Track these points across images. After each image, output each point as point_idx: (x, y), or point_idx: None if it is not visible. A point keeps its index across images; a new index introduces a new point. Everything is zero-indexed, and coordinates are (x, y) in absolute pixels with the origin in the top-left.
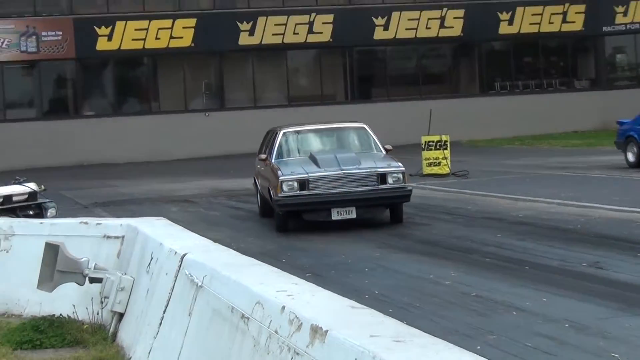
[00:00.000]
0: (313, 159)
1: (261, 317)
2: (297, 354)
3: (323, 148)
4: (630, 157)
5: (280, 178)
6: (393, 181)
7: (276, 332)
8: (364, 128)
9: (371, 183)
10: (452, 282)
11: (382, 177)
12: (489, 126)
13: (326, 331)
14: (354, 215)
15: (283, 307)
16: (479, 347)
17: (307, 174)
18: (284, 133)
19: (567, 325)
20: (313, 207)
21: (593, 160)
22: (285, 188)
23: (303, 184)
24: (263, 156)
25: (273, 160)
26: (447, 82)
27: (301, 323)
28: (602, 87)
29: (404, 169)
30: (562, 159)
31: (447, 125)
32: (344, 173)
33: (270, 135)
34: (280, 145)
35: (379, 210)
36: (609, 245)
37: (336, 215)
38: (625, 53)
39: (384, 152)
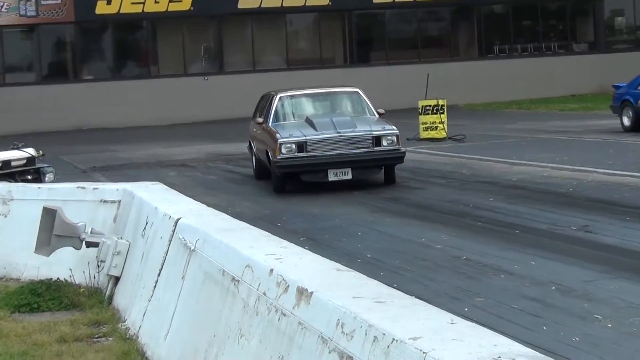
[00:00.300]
0: (310, 122)
1: (250, 279)
2: (284, 314)
3: (318, 112)
4: (626, 121)
5: (279, 141)
6: (387, 143)
7: (264, 294)
8: (357, 92)
9: (366, 145)
10: (444, 246)
11: (377, 140)
12: (487, 90)
13: (311, 293)
14: (349, 177)
15: (271, 270)
16: (466, 309)
17: (305, 136)
18: (280, 97)
19: (553, 287)
20: (310, 168)
21: (589, 124)
22: (283, 150)
23: (301, 146)
24: (260, 120)
25: (270, 124)
26: (446, 45)
27: (288, 285)
28: (600, 51)
29: (397, 131)
30: (559, 122)
31: (446, 89)
32: (340, 136)
33: (266, 99)
34: (276, 109)
35: (374, 172)
36: (599, 209)
37: (332, 176)
38: (624, 16)
39: (377, 115)
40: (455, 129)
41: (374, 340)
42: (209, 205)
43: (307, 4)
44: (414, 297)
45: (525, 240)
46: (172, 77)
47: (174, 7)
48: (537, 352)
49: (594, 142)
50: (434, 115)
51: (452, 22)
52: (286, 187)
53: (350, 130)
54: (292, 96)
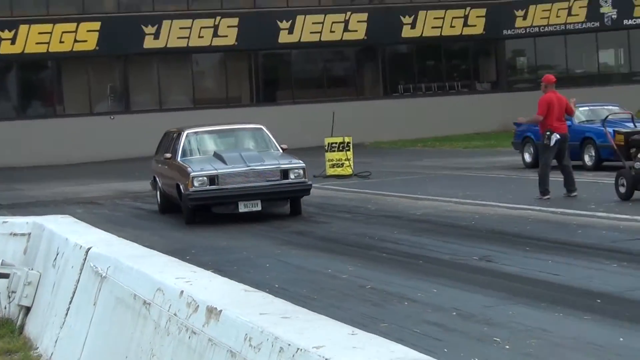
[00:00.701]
0: (219, 157)
1: (161, 302)
2: (194, 333)
3: (225, 147)
4: (527, 157)
5: (191, 174)
6: (295, 176)
7: (175, 314)
8: (261, 129)
9: (275, 178)
10: (349, 276)
11: (285, 173)
12: (393, 128)
13: (220, 311)
14: (259, 208)
15: (182, 292)
16: None
17: (216, 170)
18: (188, 134)
19: (454, 313)
20: (222, 200)
21: (492, 160)
22: (196, 183)
23: (212, 179)
24: (168, 155)
25: (179, 159)
26: (351, 85)
27: (198, 305)
28: (502, 89)
29: (304, 165)
30: (463, 159)
31: (352, 127)
32: (250, 169)
33: (169, 136)
34: (184, 145)
35: (282, 203)
36: (501, 240)
37: (243, 207)
38: (525, 56)
39: (280, 150)
40: (361, 166)
41: (279, 351)
42: None
43: (212, 44)
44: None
45: (428, 270)
46: (78, 117)
47: (79, 46)
48: (431, 358)
49: (497, 178)
50: (340, 153)
51: (357, 61)
52: (196, 219)
53: (259, 163)
54: (198, 132)
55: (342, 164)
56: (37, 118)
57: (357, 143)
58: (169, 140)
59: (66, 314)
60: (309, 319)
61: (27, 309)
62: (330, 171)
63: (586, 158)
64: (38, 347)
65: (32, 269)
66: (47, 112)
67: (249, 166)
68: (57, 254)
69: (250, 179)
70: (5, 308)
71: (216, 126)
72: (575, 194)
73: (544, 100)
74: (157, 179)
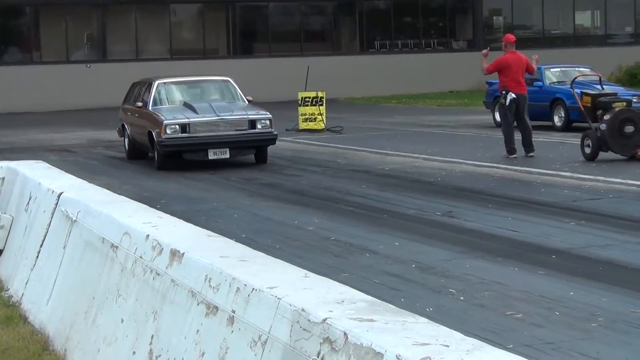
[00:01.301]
0: (189, 107)
1: (128, 245)
2: (158, 274)
3: (193, 98)
4: (497, 116)
5: (164, 122)
6: (262, 127)
7: (141, 257)
8: (228, 81)
9: (243, 128)
10: (315, 228)
11: (252, 123)
12: (368, 84)
13: (183, 254)
14: (227, 156)
15: (147, 236)
16: None
17: (188, 119)
18: (158, 84)
19: (413, 265)
20: (193, 148)
21: (464, 119)
22: (168, 131)
23: (184, 127)
24: (139, 104)
25: (150, 108)
26: (328, 39)
27: (162, 248)
28: (478, 48)
29: (270, 116)
30: (435, 117)
31: (327, 82)
32: (220, 119)
33: (137, 86)
34: (155, 95)
35: (249, 152)
36: (465, 197)
37: (212, 155)
38: (502, 15)
39: (246, 102)
40: (334, 121)
41: (236, 291)
42: None
43: None
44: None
45: (392, 223)
46: (55, 64)
47: None
48: (375, 299)
49: (466, 136)
50: (313, 107)
51: (335, 16)
52: (168, 166)
53: (229, 114)
54: (168, 83)
55: (315, 119)
56: (13, 64)
57: (332, 98)
58: (138, 90)
59: (37, 257)
60: (266, 262)
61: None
62: (303, 125)
63: (556, 119)
64: (9, 289)
65: (4, 213)
66: (24, 59)
67: (219, 116)
68: (30, 199)
69: (220, 128)
70: None
71: (186, 77)
72: (532, 154)
73: (498, 60)
74: (126, 126)
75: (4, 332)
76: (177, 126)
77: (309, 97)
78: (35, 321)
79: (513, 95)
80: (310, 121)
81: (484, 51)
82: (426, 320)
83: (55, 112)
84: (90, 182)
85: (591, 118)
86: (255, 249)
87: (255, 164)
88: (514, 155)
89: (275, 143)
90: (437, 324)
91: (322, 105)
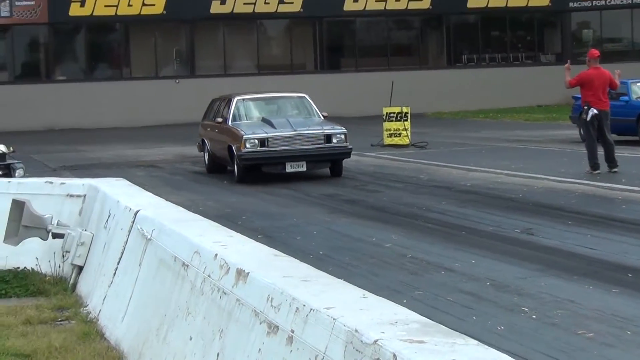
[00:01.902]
0: (267, 122)
1: (198, 264)
2: (225, 293)
3: (271, 113)
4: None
5: (244, 137)
6: (337, 141)
7: (209, 276)
8: (304, 97)
9: (319, 142)
10: (392, 245)
11: (328, 137)
12: (455, 98)
13: (248, 273)
14: (304, 169)
15: (216, 255)
16: (405, 301)
17: (267, 133)
18: (237, 100)
19: (488, 283)
20: (271, 161)
21: (551, 134)
22: (248, 145)
23: (263, 141)
24: (219, 120)
25: (230, 123)
26: (415, 54)
27: (229, 267)
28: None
29: (345, 130)
30: (522, 132)
31: (414, 96)
32: (297, 133)
33: (219, 102)
34: (234, 111)
35: (324, 165)
36: (544, 213)
37: (289, 168)
38: (590, 29)
39: (322, 117)
40: (420, 136)
41: (296, 311)
42: (173, 203)
43: (278, 10)
44: (337, 278)
45: (469, 240)
46: (144, 80)
47: (147, 10)
48: (428, 320)
49: (551, 151)
50: (398, 122)
51: (422, 30)
52: (247, 179)
53: (306, 128)
54: (247, 99)
55: (400, 134)
56: (104, 80)
57: (418, 113)
58: (217, 107)
59: (114, 274)
60: (327, 283)
61: (80, 268)
62: (388, 140)
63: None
64: (88, 305)
65: (85, 230)
66: (114, 75)
67: (296, 130)
68: (109, 216)
69: (297, 142)
70: (59, 267)
71: (264, 94)
72: (615, 169)
73: (581, 74)
74: (206, 141)
75: (80, 348)
76: (256, 140)
77: (394, 113)
78: (111, 337)
79: (595, 110)
80: (395, 136)
81: (567, 65)
82: (476, 342)
83: (143, 128)
84: (173, 197)
85: None
86: (332, 266)
87: (336, 180)
88: (598, 171)
89: (350, 157)
90: (487, 347)
91: (406, 120)
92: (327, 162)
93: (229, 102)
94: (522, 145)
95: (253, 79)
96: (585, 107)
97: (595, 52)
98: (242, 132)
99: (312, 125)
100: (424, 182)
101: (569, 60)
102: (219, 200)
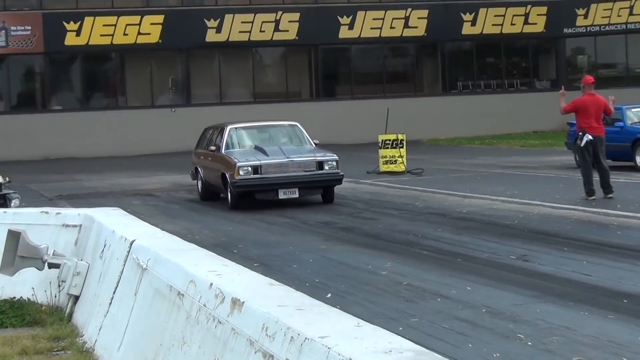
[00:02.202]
0: (260, 150)
1: (193, 293)
2: (220, 322)
3: (263, 141)
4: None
5: (237, 164)
6: (329, 167)
7: (205, 305)
8: (296, 125)
9: (311, 169)
10: (388, 272)
11: (320, 164)
12: (451, 125)
13: (243, 302)
14: (297, 195)
15: (211, 284)
16: (400, 329)
17: (260, 161)
18: (230, 128)
19: (484, 310)
20: (264, 188)
21: (546, 160)
22: (241, 172)
23: (256, 169)
24: (213, 148)
25: (223, 151)
26: (410, 81)
27: (224, 297)
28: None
29: (337, 157)
30: (517, 158)
31: (410, 123)
32: (290, 160)
33: (212, 131)
34: (227, 139)
35: (316, 192)
36: (540, 240)
37: (282, 194)
38: (585, 55)
39: (314, 145)
40: (416, 163)
41: (290, 340)
42: (169, 233)
43: (274, 38)
44: (333, 306)
45: (465, 267)
46: (140, 109)
47: (143, 39)
48: (422, 348)
49: (547, 177)
50: (394, 150)
51: (417, 58)
52: (240, 206)
53: (298, 155)
54: (239, 128)
55: (395, 161)
56: (100, 110)
57: (414, 140)
58: (210, 135)
59: (110, 304)
60: (321, 312)
61: (76, 298)
62: (384, 168)
63: (638, 159)
64: (84, 334)
65: (81, 260)
66: (110, 104)
67: (289, 158)
68: (105, 246)
69: (289, 169)
70: (55, 297)
71: (256, 122)
72: (611, 195)
73: (576, 100)
74: (199, 169)
75: None
76: (250, 168)
77: (389, 140)
78: None
79: (590, 137)
80: (390, 163)
81: (561, 91)
82: None
83: (140, 156)
84: (170, 226)
85: None
86: (328, 293)
87: (332, 207)
88: (593, 197)
89: (341, 183)
90: None
91: (402, 147)
92: (319, 189)
93: (222, 130)
94: (518, 171)
95: (249, 107)
96: (580, 134)
97: (590, 78)
98: (235, 160)
99: (304, 153)
100: (419, 209)
101: (563, 87)
102: (215, 229)
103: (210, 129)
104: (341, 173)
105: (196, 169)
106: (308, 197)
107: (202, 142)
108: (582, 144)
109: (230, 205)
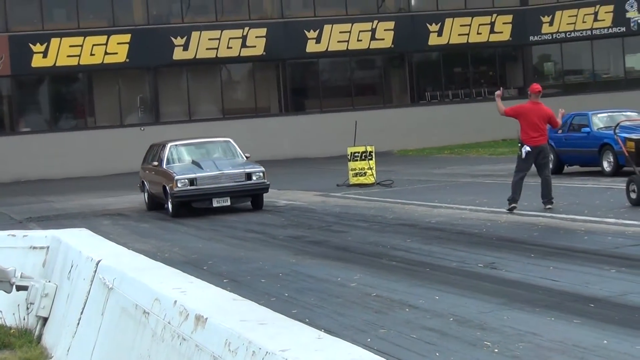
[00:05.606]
0: (196, 164)
1: (158, 311)
2: (184, 339)
3: (200, 156)
4: None
5: (175, 177)
6: (256, 178)
7: (169, 322)
8: (229, 141)
9: (241, 179)
10: (357, 284)
11: (249, 175)
12: (420, 135)
13: (206, 319)
14: (228, 203)
15: (175, 301)
16: (369, 340)
17: (195, 174)
18: (171, 146)
19: (451, 319)
20: (200, 197)
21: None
22: (179, 185)
23: (192, 181)
24: (155, 163)
25: (164, 166)
26: (379, 92)
27: (188, 314)
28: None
29: (263, 169)
30: (487, 166)
31: (379, 135)
32: (222, 173)
33: (156, 148)
34: (168, 155)
35: (246, 200)
36: (508, 247)
37: (216, 203)
38: (552, 61)
39: (245, 158)
40: (385, 174)
41: (252, 354)
42: (138, 251)
43: (241, 54)
44: (296, 320)
45: (434, 277)
46: (109, 128)
47: (110, 59)
48: (382, 358)
49: None
50: (363, 162)
51: (385, 70)
52: (180, 214)
53: (229, 168)
54: (179, 145)
55: (365, 173)
56: (68, 130)
57: (384, 151)
58: (155, 152)
59: (78, 324)
60: (284, 325)
61: (45, 320)
62: (353, 180)
63: (605, 164)
64: (52, 356)
65: (49, 281)
66: (79, 124)
67: (221, 170)
68: (72, 267)
69: (221, 181)
70: (24, 319)
71: (193, 139)
72: (550, 206)
73: (518, 106)
74: (145, 183)
75: None
76: (187, 180)
77: (358, 152)
78: None
79: (528, 148)
80: (360, 176)
81: (498, 92)
82: None
83: (110, 176)
84: (139, 245)
85: (636, 163)
86: (296, 307)
87: (302, 222)
88: (513, 205)
89: (268, 191)
90: None
91: (371, 159)
92: (248, 197)
93: (163, 147)
94: (487, 179)
95: (218, 124)
96: (519, 145)
97: (537, 86)
98: (174, 174)
99: (235, 166)
100: (389, 220)
101: (501, 87)
102: (185, 247)
103: (155, 146)
104: (267, 182)
105: (142, 182)
106: (239, 204)
107: (147, 158)
108: (523, 156)
109: (172, 214)
